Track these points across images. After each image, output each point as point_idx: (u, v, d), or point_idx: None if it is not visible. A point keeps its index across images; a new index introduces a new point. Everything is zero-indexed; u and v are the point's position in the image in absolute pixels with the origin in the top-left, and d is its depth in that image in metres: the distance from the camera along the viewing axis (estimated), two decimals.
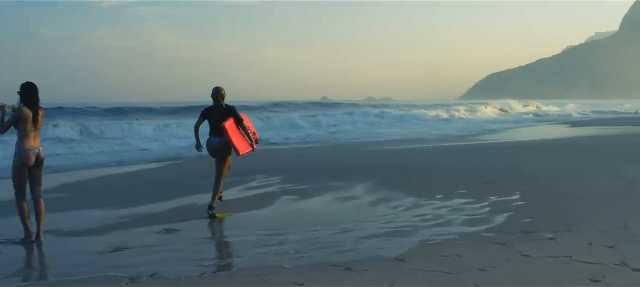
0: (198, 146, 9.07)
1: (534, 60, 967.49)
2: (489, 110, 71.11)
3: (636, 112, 71.04)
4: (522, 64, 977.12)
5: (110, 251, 6.66)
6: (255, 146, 9.06)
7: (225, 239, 7.58)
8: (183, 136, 28.72)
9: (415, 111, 59.20)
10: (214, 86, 8.97)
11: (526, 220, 7.53)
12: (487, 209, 8.38)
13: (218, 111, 8.86)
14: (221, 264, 6.17)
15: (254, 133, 9.12)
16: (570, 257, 5.71)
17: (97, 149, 22.86)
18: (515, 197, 9.26)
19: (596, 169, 12.21)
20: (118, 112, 52.42)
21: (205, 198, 9.73)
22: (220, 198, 9.16)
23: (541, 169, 12.42)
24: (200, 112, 9.08)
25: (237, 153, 8.74)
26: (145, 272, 5.74)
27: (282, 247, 6.60)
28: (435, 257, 5.91)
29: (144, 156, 20.90)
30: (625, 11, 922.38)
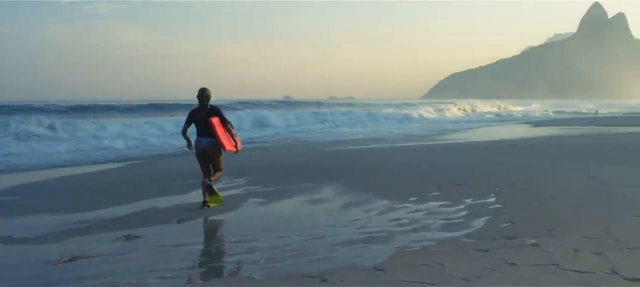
0: (189, 145, 9.20)
1: (495, 61, 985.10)
2: (454, 109, 71.78)
3: (596, 113, 73.06)
4: (483, 64, 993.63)
5: (65, 261, 6.14)
6: (239, 148, 9.30)
7: (190, 247, 7.06)
8: (152, 134, 28.02)
9: (379, 110, 59.34)
10: (200, 87, 9.13)
11: (506, 224, 7.22)
12: (464, 213, 8.05)
13: (203, 112, 8.99)
14: (186, 275, 5.67)
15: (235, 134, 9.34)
16: (558, 265, 5.41)
17: (54, 148, 22.11)
18: (491, 199, 8.98)
19: (567, 170, 12.06)
20: (78, 110, 51.33)
21: (169, 201, 9.33)
22: (207, 204, 8.99)
23: (513, 170, 12.22)
24: (186, 116, 9.12)
25: (224, 148, 9.00)
26: (103, 284, 5.27)
27: (252, 256, 6.16)
28: (416, 266, 5.54)
29: (103, 155, 20.26)
30: (583, 13, 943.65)
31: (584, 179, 10.75)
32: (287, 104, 76.08)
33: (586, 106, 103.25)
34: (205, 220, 8.27)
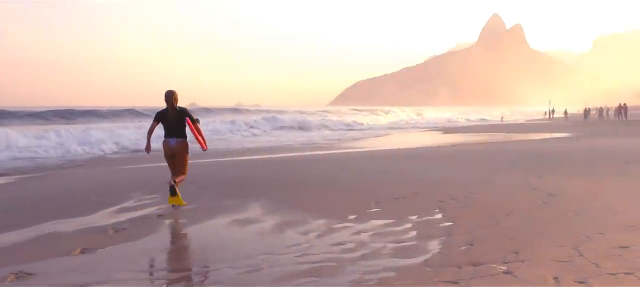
0: (147, 148, 9.51)
1: (399, 69, 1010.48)
2: (365, 115, 72.19)
3: (501, 119, 76.78)
4: (388, 72, 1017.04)
5: None
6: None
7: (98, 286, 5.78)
8: (49, 143, 25.83)
9: (294, 117, 58.69)
10: (167, 90, 9.32)
11: (464, 247, 6.38)
12: (413, 233, 7.17)
13: (172, 114, 9.23)
14: None
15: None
16: None
17: None
18: (437, 216, 8.16)
19: (504, 180, 11.56)
20: None
21: (71, 225, 7.98)
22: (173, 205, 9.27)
23: (448, 181, 11.57)
24: (154, 116, 9.36)
25: (203, 148, 9.55)
26: None
27: None
28: None
29: None
30: (483, 24, 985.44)
31: (526, 190, 10.21)
32: (198, 111, 73.99)
33: (492, 113, 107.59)
34: (116, 248, 6.94)
